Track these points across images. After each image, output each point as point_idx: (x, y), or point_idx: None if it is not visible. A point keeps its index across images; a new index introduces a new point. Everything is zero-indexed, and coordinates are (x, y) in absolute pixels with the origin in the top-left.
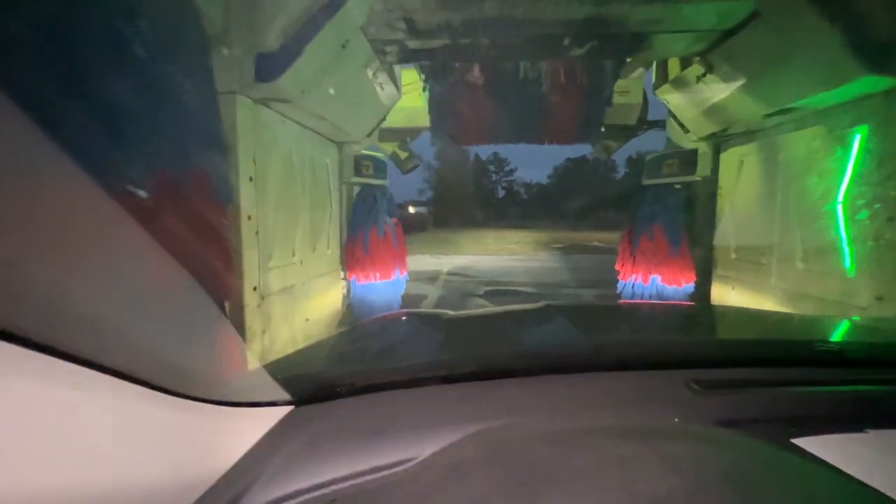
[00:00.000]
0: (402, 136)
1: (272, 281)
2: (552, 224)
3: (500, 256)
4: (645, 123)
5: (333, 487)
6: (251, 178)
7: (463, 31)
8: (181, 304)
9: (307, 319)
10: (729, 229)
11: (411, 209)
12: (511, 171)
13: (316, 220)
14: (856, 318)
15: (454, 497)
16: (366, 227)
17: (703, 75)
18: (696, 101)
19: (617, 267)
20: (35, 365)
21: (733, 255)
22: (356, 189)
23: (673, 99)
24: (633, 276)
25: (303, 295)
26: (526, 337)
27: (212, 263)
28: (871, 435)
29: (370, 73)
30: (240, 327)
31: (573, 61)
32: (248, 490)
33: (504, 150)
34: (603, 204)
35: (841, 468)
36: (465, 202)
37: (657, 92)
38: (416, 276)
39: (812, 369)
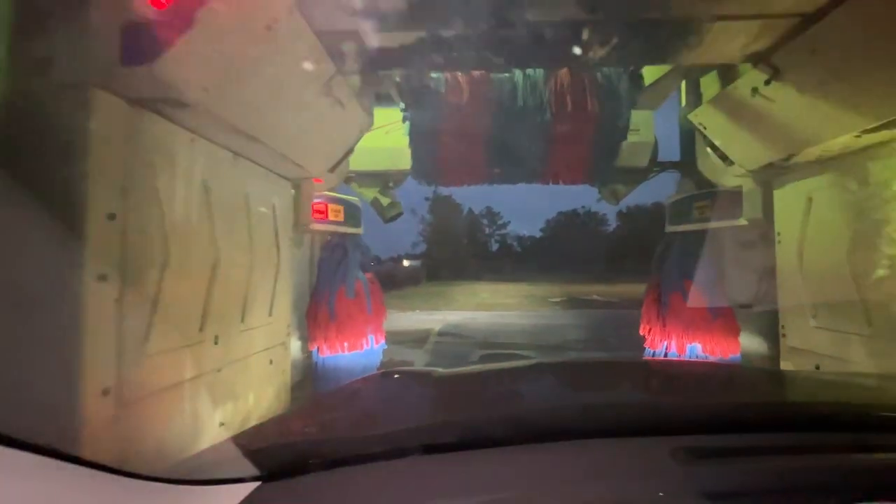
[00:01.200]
0: (385, 180)
1: (150, 374)
2: (547, 277)
3: (496, 312)
4: (657, 165)
5: None
6: (111, 217)
7: (444, 19)
8: None
9: (221, 424)
10: (798, 287)
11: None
12: (504, 225)
13: (252, 278)
14: None
15: None
16: (332, 285)
17: (767, 83)
18: (748, 122)
19: (642, 332)
20: None
21: (812, 322)
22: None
23: (713, 123)
24: (664, 342)
25: (218, 386)
26: (516, 398)
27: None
28: None
29: (321, 80)
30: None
31: (588, 71)
32: None
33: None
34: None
35: None
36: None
37: (690, 116)
38: (402, 338)
39: (818, 434)
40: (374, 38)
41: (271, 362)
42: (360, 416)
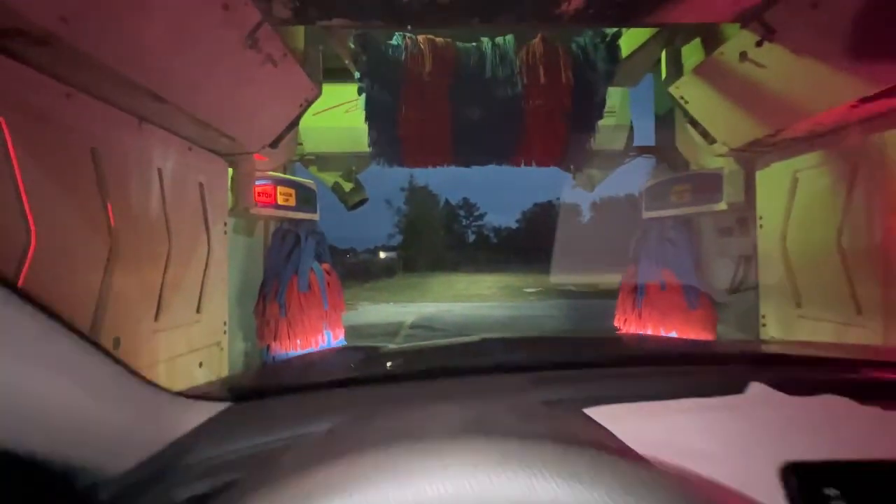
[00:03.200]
0: (346, 163)
1: None
2: (523, 268)
3: (472, 303)
4: (633, 150)
5: (248, 451)
6: None
7: None
8: None
9: None
10: (780, 274)
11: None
12: (481, 216)
13: (171, 270)
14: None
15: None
16: (282, 277)
17: (759, 44)
18: (735, 93)
19: (617, 323)
20: None
21: (796, 311)
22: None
23: (695, 96)
24: (639, 332)
25: None
26: (453, 357)
27: None
28: (634, 405)
29: (240, 27)
30: None
31: (562, 40)
32: (183, 453)
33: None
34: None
35: (607, 424)
36: (435, 247)
37: (671, 89)
38: (372, 331)
39: (612, 369)
40: None
41: (201, 365)
42: (309, 363)
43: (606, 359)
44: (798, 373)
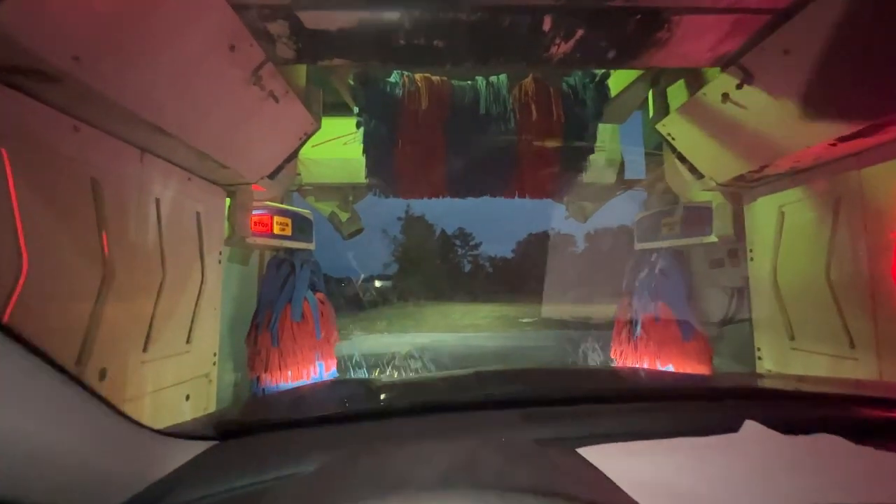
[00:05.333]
0: (343, 194)
1: None
2: (518, 297)
3: (467, 334)
4: (623, 183)
5: (233, 493)
6: None
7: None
8: None
9: None
10: (773, 306)
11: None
12: (476, 246)
13: (163, 299)
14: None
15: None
16: (276, 306)
17: (739, 86)
18: (719, 131)
19: (613, 354)
20: None
21: (790, 344)
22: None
23: (681, 133)
24: (635, 365)
25: None
26: (445, 393)
27: None
28: (627, 444)
29: (246, 66)
30: None
31: (553, 79)
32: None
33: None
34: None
35: (600, 465)
36: (430, 276)
37: (658, 126)
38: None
39: (606, 405)
40: (308, 18)
41: (188, 398)
42: (298, 398)
43: (600, 394)
44: (792, 410)
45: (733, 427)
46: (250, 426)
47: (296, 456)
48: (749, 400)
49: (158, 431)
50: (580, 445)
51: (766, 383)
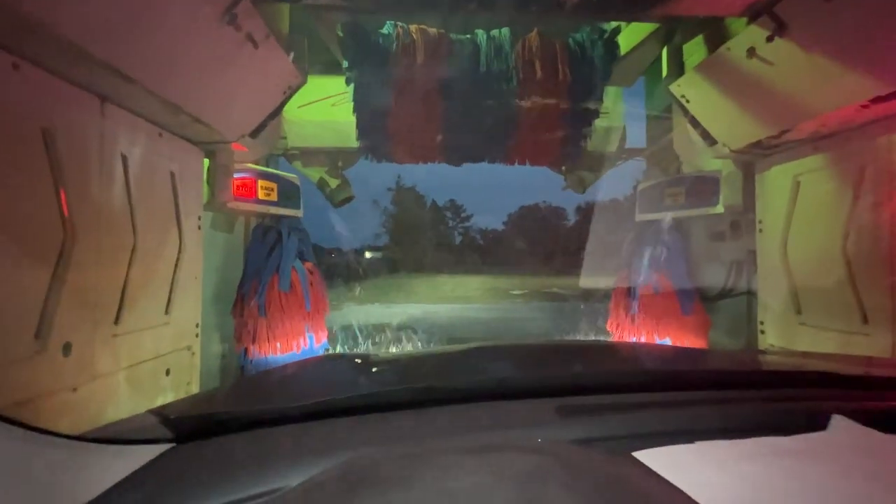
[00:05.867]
0: (333, 159)
1: None
2: (509, 270)
3: (458, 305)
4: (625, 152)
5: None
6: None
7: None
8: None
9: None
10: (781, 280)
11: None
12: (467, 218)
13: (135, 266)
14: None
15: None
16: (263, 276)
17: (770, 39)
18: (740, 91)
19: (609, 327)
20: None
21: (797, 318)
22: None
23: (697, 95)
24: (632, 338)
25: (72, 411)
26: (447, 375)
27: None
28: (696, 446)
29: (221, 2)
30: None
31: (559, 34)
32: None
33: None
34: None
35: (668, 475)
36: (421, 248)
37: (671, 87)
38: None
39: (657, 394)
40: None
41: (168, 372)
42: (279, 381)
43: (646, 379)
44: (876, 400)
45: (818, 423)
46: (215, 423)
47: (274, 465)
48: (823, 386)
49: (83, 438)
50: (634, 448)
51: (832, 365)
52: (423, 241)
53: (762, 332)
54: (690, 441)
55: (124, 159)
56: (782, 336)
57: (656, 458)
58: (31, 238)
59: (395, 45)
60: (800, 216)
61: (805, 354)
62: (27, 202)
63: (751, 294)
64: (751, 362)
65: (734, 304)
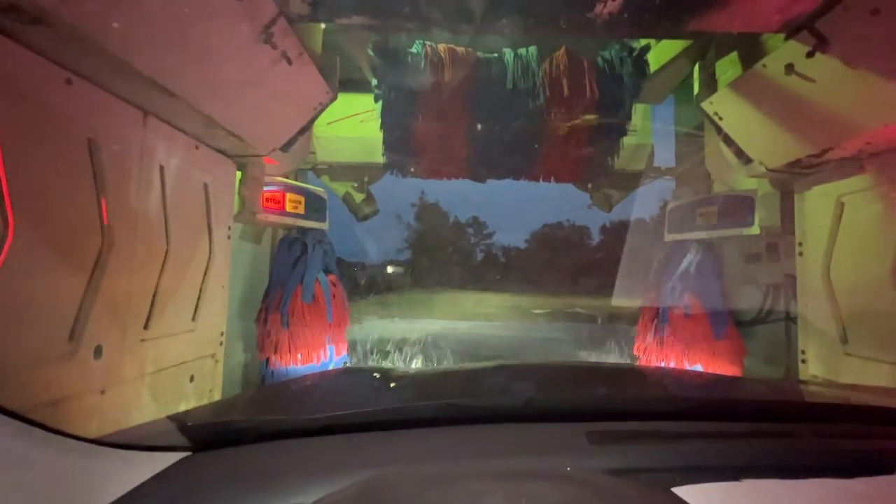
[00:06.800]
0: (359, 174)
1: None
2: (531, 288)
3: (478, 322)
4: (653, 170)
5: None
6: None
7: None
8: None
9: None
10: (824, 307)
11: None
12: (489, 235)
13: (167, 273)
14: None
15: None
16: (287, 287)
17: (811, 54)
18: (777, 108)
19: (636, 350)
20: None
21: (842, 348)
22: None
23: (731, 112)
24: (660, 363)
25: (99, 413)
26: (469, 393)
27: None
28: (745, 485)
29: (256, 20)
30: None
31: (587, 52)
32: None
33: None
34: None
35: None
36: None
37: (704, 104)
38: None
39: (698, 423)
40: None
41: (192, 379)
42: (298, 392)
43: (680, 407)
44: None
45: (882, 464)
46: (232, 433)
47: (289, 481)
48: (890, 425)
49: (101, 442)
50: (674, 483)
51: (867, 398)
52: (444, 257)
53: (803, 361)
54: (737, 478)
55: (162, 170)
56: (826, 366)
57: (699, 496)
58: (71, 243)
59: (423, 63)
60: (845, 239)
61: (854, 387)
62: (70, 209)
63: (789, 320)
64: (797, 393)
65: (771, 330)
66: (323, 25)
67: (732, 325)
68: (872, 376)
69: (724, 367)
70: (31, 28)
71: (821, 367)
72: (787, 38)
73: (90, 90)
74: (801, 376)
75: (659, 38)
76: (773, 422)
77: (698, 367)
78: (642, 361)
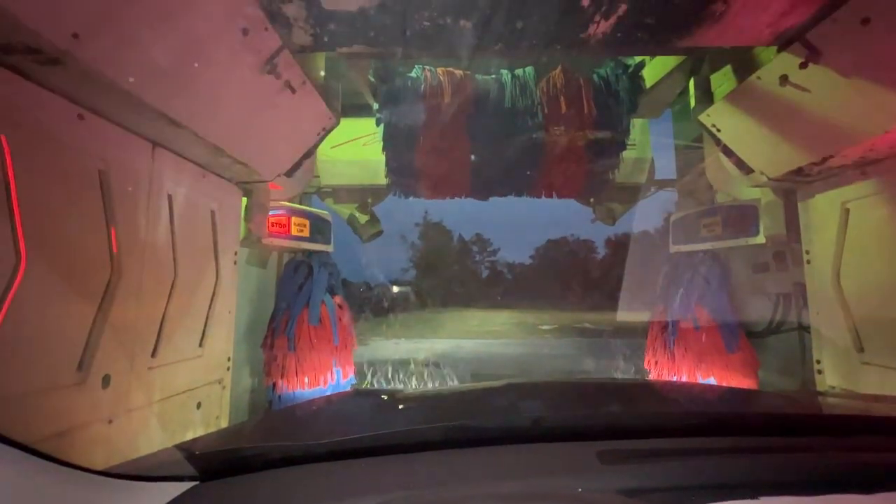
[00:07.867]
0: (363, 196)
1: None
2: (537, 304)
3: (485, 340)
4: (654, 183)
5: None
6: None
7: None
8: None
9: None
10: (836, 315)
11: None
12: (494, 252)
13: (174, 300)
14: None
15: None
16: (293, 310)
17: (804, 66)
18: (774, 119)
19: (647, 365)
20: None
21: (858, 357)
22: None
23: (728, 124)
24: (672, 377)
25: (107, 443)
26: (478, 413)
27: None
28: (763, 502)
29: (261, 52)
30: None
31: (583, 70)
32: None
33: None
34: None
35: None
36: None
37: (701, 117)
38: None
39: (713, 439)
40: (326, 3)
41: (199, 406)
42: (305, 417)
43: (692, 423)
44: None
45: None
46: (239, 461)
47: (293, 501)
48: None
49: (109, 473)
50: (689, 502)
51: (888, 409)
52: (449, 276)
53: (819, 371)
54: (754, 496)
55: (170, 199)
56: (844, 376)
57: None
58: (81, 273)
59: (423, 86)
60: (853, 245)
61: (877, 398)
62: (80, 240)
63: (802, 329)
64: (815, 405)
65: (785, 340)
66: (325, 53)
67: (744, 336)
68: (893, 386)
69: (739, 380)
70: (48, 68)
71: (838, 377)
72: (779, 51)
73: (101, 124)
74: (819, 387)
75: (652, 55)
76: (791, 436)
77: (711, 381)
78: (653, 376)
